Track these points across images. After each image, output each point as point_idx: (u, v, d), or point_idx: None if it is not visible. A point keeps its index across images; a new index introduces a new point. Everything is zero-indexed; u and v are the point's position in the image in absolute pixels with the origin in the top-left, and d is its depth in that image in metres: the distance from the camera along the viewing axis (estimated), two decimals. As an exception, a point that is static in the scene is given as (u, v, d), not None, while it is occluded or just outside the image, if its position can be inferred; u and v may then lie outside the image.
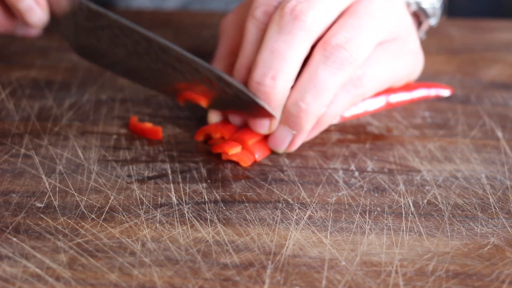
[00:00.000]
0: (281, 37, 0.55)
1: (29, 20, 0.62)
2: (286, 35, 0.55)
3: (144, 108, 0.64)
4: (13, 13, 0.63)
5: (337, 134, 0.62)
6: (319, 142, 0.60)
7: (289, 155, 0.59)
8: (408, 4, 0.65)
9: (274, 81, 0.55)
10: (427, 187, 0.56)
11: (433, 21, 0.67)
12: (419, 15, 0.67)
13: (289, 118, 0.56)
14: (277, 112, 0.56)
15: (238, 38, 0.60)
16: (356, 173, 0.57)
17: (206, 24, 0.79)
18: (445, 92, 0.67)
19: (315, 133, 0.59)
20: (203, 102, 0.59)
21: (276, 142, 0.58)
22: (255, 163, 0.58)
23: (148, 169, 0.57)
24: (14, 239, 0.50)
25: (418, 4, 0.66)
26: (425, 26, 0.68)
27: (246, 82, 0.57)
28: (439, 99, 0.67)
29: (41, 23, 0.62)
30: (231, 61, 0.60)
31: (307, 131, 0.57)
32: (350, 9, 0.57)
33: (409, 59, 0.62)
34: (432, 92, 0.66)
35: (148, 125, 0.61)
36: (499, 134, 0.62)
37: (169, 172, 0.56)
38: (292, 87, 0.56)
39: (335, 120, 0.62)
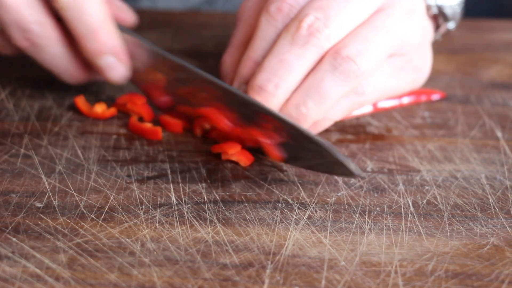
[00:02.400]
0: (292, 49, 0.56)
1: (109, 77, 0.61)
2: (298, 48, 0.56)
3: (144, 108, 0.64)
4: (90, 66, 0.62)
5: (337, 134, 0.62)
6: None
7: (288, 155, 0.59)
8: (429, 7, 0.65)
9: (277, 89, 0.55)
10: (426, 187, 0.56)
11: (451, 25, 0.67)
12: (437, 18, 0.67)
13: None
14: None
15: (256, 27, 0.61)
16: (356, 173, 0.57)
17: (206, 24, 0.79)
18: (436, 96, 0.67)
19: None
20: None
21: None
22: (255, 163, 0.58)
23: (147, 169, 0.57)
24: (14, 239, 0.50)
25: (439, 8, 0.66)
26: (442, 29, 0.68)
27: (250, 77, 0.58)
28: (439, 99, 0.67)
29: (122, 80, 0.61)
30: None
31: None
32: (368, 20, 0.58)
33: (411, 74, 0.62)
34: (423, 98, 0.66)
35: (148, 125, 0.61)
36: (499, 134, 0.62)
37: (169, 172, 0.56)
38: None
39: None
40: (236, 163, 0.57)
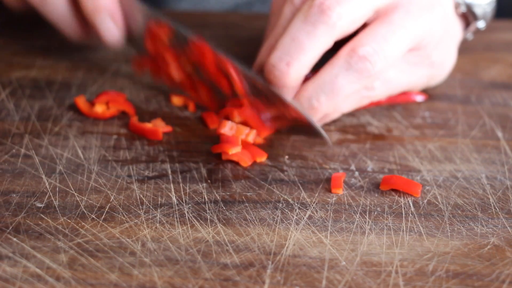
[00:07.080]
0: (304, 27, 0.56)
1: (104, 37, 0.63)
2: (309, 26, 0.56)
3: (144, 107, 0.64)
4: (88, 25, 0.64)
5: (337, 134, 0.62)
6: (319, 142, 0.60)
7: (289, 155, 0.59)
8: (458, 5, 0.65)
9: (288, 68, 0.56)
10: (427, 187, 0.56)
11: (481, 24, 0.67)
12: (467, 16, 0.66)
13: None
14: (288, 94, 0.58)
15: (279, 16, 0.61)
16: (356, 173, 0.57)
17: (206, 24, 0.79)
18: (420, 98, 0.66)
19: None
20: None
21: None
22: (255, 163, 0.58)
23: (148, 169, 0.57)
24: (14, 239, 0.50)
25: (468, 7, 0.65)
26: (472, 28, 0.67)
27: None
28: (439, 98, 0.67)
29: (117, 42, 0.63)
30: None
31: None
32: (386, 17, 0.57)
33: (427, 70, 0.62)
34: (399, 98, 0.65)
35: (148, 125, 0.61)
36: (499, 134, 0.62)
37: (169, 172, 0.56)
38: (309, 78, 0.58)
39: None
40: (237, 163, 0.58)
